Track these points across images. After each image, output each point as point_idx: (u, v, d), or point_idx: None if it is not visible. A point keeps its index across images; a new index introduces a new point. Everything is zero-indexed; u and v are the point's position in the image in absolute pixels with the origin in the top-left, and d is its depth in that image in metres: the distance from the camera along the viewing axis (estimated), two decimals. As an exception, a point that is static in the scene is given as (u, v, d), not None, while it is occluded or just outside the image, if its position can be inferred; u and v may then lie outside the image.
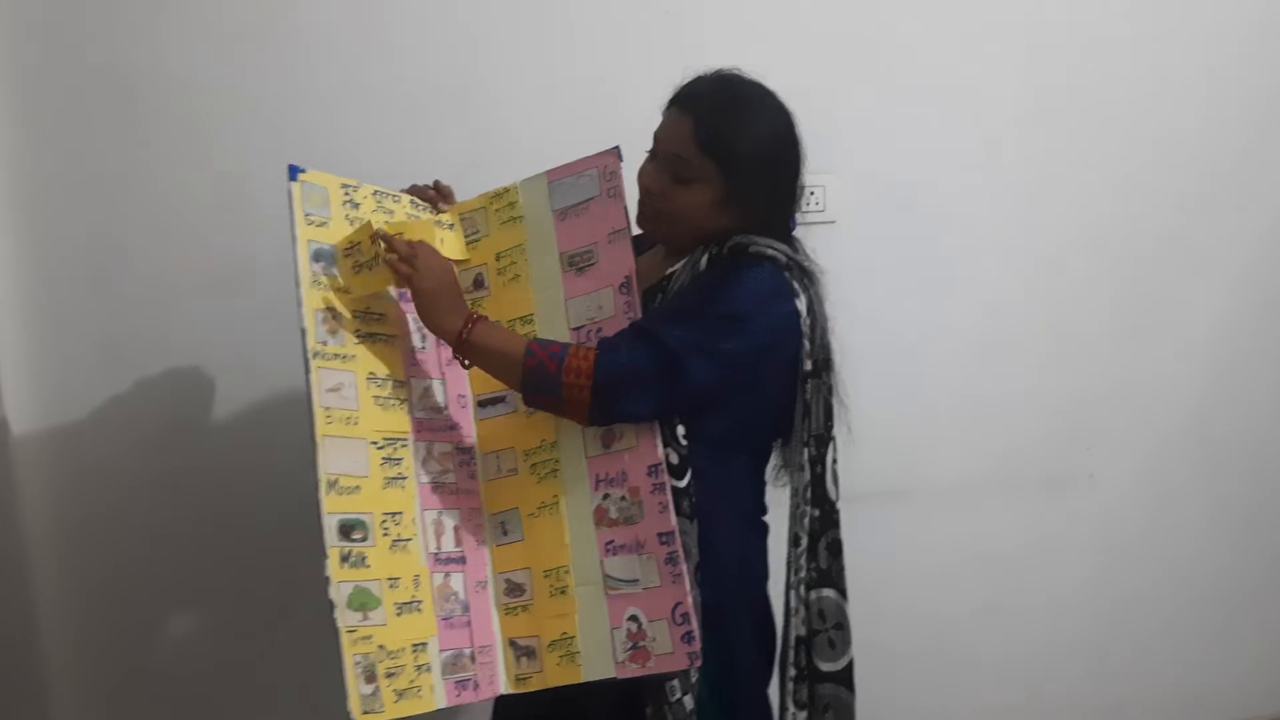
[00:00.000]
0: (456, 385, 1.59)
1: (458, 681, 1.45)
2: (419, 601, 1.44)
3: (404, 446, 1.50)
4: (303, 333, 1.43)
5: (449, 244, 1.62)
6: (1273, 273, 2.43)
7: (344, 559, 1.38)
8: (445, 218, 1.64)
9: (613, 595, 1.44)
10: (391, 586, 1.42)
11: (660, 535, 1.42)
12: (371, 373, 1.48)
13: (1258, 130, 2.38)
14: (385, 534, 1.43)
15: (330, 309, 1.46)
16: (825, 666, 1.54)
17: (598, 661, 1.44)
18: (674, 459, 1.44)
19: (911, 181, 2.23)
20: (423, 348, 1.57)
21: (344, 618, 1.35)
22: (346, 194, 1.53)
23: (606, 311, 1.50)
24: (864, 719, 1.57)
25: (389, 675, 1.37)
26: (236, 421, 2.11)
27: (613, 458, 1.46)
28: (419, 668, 1.41)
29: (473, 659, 1.48)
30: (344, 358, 1.46)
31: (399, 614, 1.41)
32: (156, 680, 2.13)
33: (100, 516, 2.07)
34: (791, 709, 1.54)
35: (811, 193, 2.12)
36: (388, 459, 1.47)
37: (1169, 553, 2.49)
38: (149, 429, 2.07)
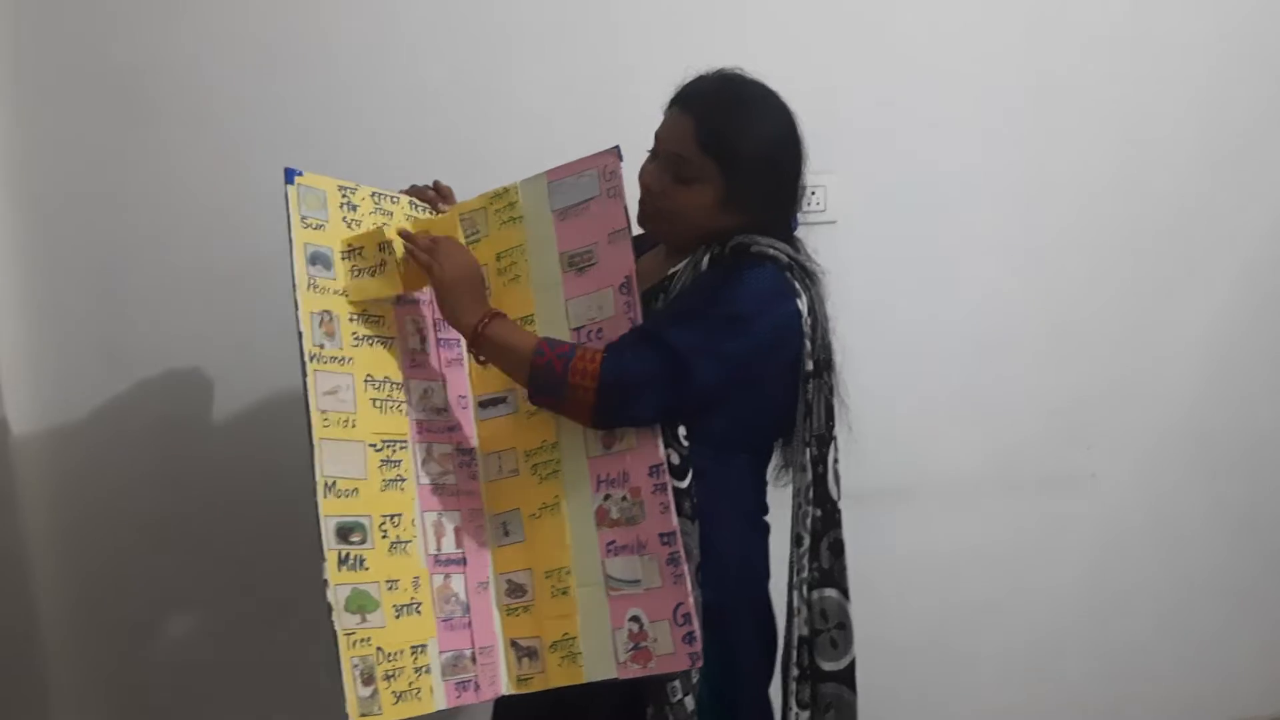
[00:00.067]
0: (456, 386, 1.59)
1: (458, 683, 1.45)
2: (418, 603, 1.44)
3: (403, 448, 1.49)
4: (299, 336, 1.42)
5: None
6: (1271, 272, 2.44)
7: (342, 561, 1.38)
8: (445, 218, 1.65)
9: (614, 596, 1.44)
10: (390, 589, 1.41)
11: (661, 536, 1.42)
12: (369, 375, 1.48)
13: (1257, 130, 2.38)
14: (384, 536, 1.43)
15: (327, 312, 1.46)
16: (827, 666, 1.55)
17: (599, 662, 1.44)
18: (675, 460, 1.44)
19: (912, 181, 2.23)
20: (422, 349, 1.57)
21: (342, 620, 1.35)
22: (344, 196, 1.53)
23: (607, 312, 1.49)
24: (866, 717, 1.57)
25: (387, 677, 1.37)
26: (236, 421, 2.11)
27: (614, 458, 1.46)
28: (418, 669, 1.41)
29: (473, 660, 1.48)
30: (341, 360, 1.46)
31: (398, 616, 1.41)
32: (156, 677, 2.13)
33: (100, 515, 2.08)
34: (794, 709, 1.54)
35: (812, 192, 2.12)
36: (386, 461, 1.47)
37: (1168, 551, 2.49)
38: (149, 428, 2.08)
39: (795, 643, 1.54)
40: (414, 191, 1.64)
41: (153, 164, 2.02)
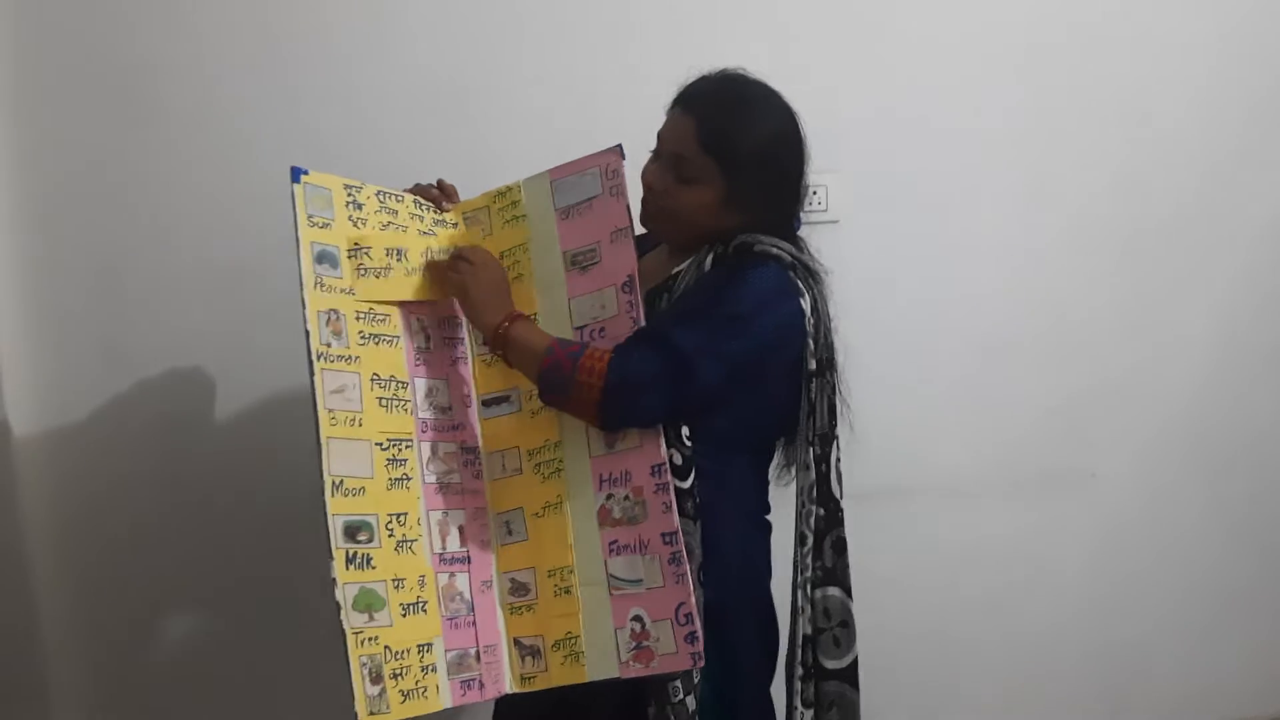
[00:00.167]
0: (460, 385, 1.59)
1: (463, 681, 1.45)
2: (424, 602, 1.44)
3: (408, 447, 1.49)
4: (306, 334, 1.42)
5: (455, 243, 1.62)
6: (1270, 272, 2.44)
7: (349, 560, 1.37)
8: (449, 217, 1.65)
9: (616, 595, 1.44)
10: (397, 587, 1.41)
11: (663, 535, 1.42)
12: (375, 374, 1.48)
13: (1256, 130, 2.38)
14: (390, 535, 1.43)
15: (334, 310, 1.46)
16: (830, 664, 1.55)
17: (601, 661, 1.44)
18: (678, 460, 1.44)
19: (913, 181, 2.23)
20: (426, 347, 1.57)
21: (350, 619, 1.35)
22: (350, 195, 1.53)
23: (610, 310, 1.49)
24: (867, 715, 1.57)
25: (395, 676, 1.37)
26: (236, 420, 2.11)
27: (616, 457, 1.46)
28: (425, 668, 1.41)
29: (478, 659, 1.48)
30: (348, 359, 1.45)
31: (404, 615, 1.41)
32: (156, 676, 2.13)
33: (100, 514, 2.07)
34: (799, 708, 1.54)
35: (814, 192, 2.11)
36: (392, 460, 1.47)
37: (1167, 550, 2.49)
38: (148, 427, 2.07)
39: (800, 642, 1.55)
40: (418, 190, 1.64)
41: (153, 163, 2.02)
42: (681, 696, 1.43)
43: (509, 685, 1.50)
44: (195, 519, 2.09)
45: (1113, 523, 2.45)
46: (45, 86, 1.97)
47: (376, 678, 1.35)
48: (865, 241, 2.18)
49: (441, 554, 1.49)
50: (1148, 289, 2.40)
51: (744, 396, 1.48)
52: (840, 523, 1.56)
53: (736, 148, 1.46)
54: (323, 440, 1.39)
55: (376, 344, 1.50)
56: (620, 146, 1.51)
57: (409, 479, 1.48)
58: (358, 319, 1.49)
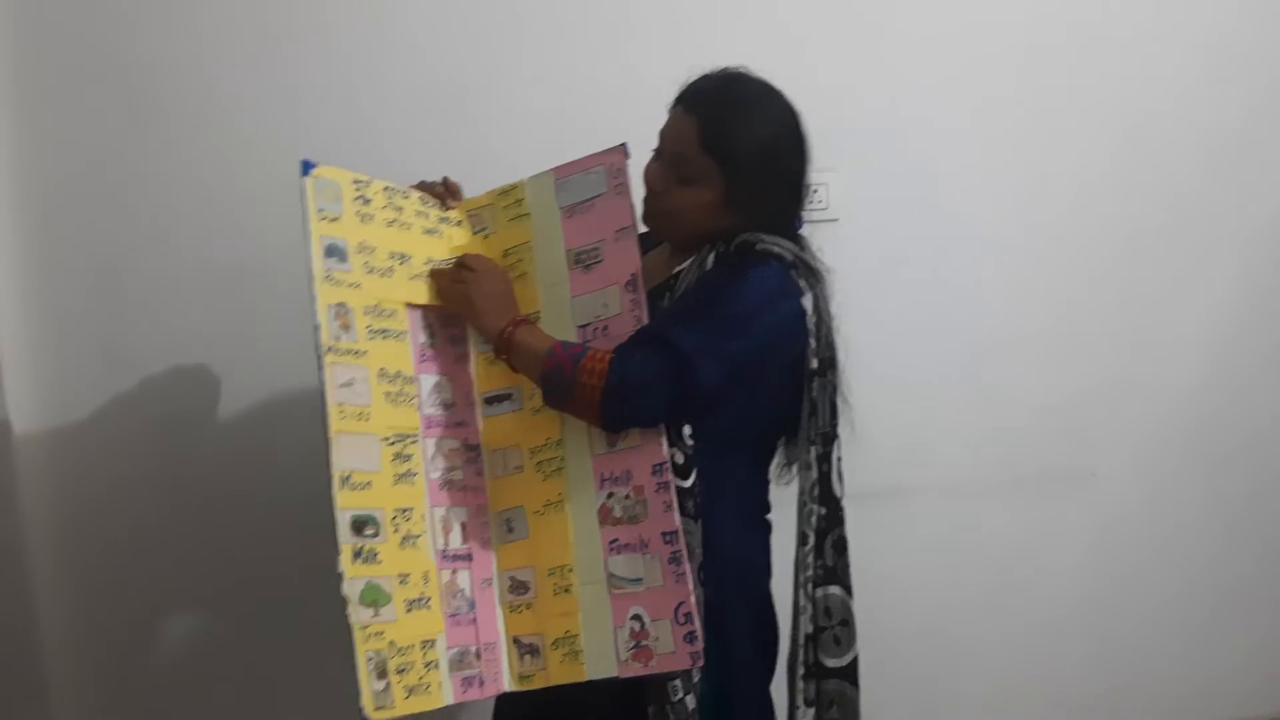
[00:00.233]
0: (464, 382, 1.59)
1: (464, 678, 1.46)
2: (428, 598, 1.44)
3: (413, 443, 1.50)
4: (316, 328, 1.42)
5: (456, 241, 1.62)
6: (1270, 271, 2.45)
7: (356, 555, 1.37)
8: (453, 214, 1.65)
9: (616, 594, 1.44)
10: (402, 583, 1.41)
11: (664, 534, 1.42)
12: (383, 368, 1.48)
13: (1256, 130, 2.39)
14: (396, 530, 1.43)
15: (342, 304, 1.46)
16: (830, 662, 1.55)
17: (601, 660, 1.44)
18: (679, 459, 1.44)
19: (914, 180, 2.24)
20: (431, 344, 1.57)
21: (357, 614, 1.35)
22: (358, 190, 1.53)
23: (612, 309, 1.49)
24: (867, 713, 1.58)
25: (399, 671, 1.37)
26: (236, 420, 2.10)
27: (617, 456, 1.46)
28: (428, 664, 1.41)
29: (478, 656, 1.48)
30: (356, 353, 1.46)
31: (409, 610, 1.41)
32: (156, 676, 2.12)
33: (100, 514, 2.07)
34: (801, 706, 1.54)
35: (815, 190, 2.12)
36: (398, 455, 1.47)
37: (1166, 548, 2.49)
38: (149, 427, 2.07)
39: (802, 641, 1.55)
40: (423, 187, 1.64)
41: (153, 163, 2.02)
42: (681, 696, 1.43)
43: (507, 683, 1.49)
44: (195, 519, 2.09)
45: (1112, 521, 2.46)
46: (45, 86, 1.97)
47: (382, 673, 1.35)
48: (865, 240, 2.18)
49: (444, 550, 1.49)
50: (1147, 288, 2.41)
51: (745, 396, 1.48)
52: (841, 522, 1.56)
53: (737, 148, 1.46)
54: (332, 434, 1.39)
55: (384, 338, 1.50)
56: (625, 145, 1.51)
57: (414, 474, 1.48)
58: (366, 313, 1.49)
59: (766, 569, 1.59)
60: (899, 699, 2.25)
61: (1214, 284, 2.43)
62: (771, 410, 1.54)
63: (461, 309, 1.56)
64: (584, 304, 1.52)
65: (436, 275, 1.57)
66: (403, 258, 1.54)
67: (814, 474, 1.53)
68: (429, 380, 1.55)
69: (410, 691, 1.38)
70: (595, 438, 1.48)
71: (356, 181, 1.53)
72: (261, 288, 2.03)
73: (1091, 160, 2.33)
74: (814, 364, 1.51)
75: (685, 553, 1.41)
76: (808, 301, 1.49)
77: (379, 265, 1.51)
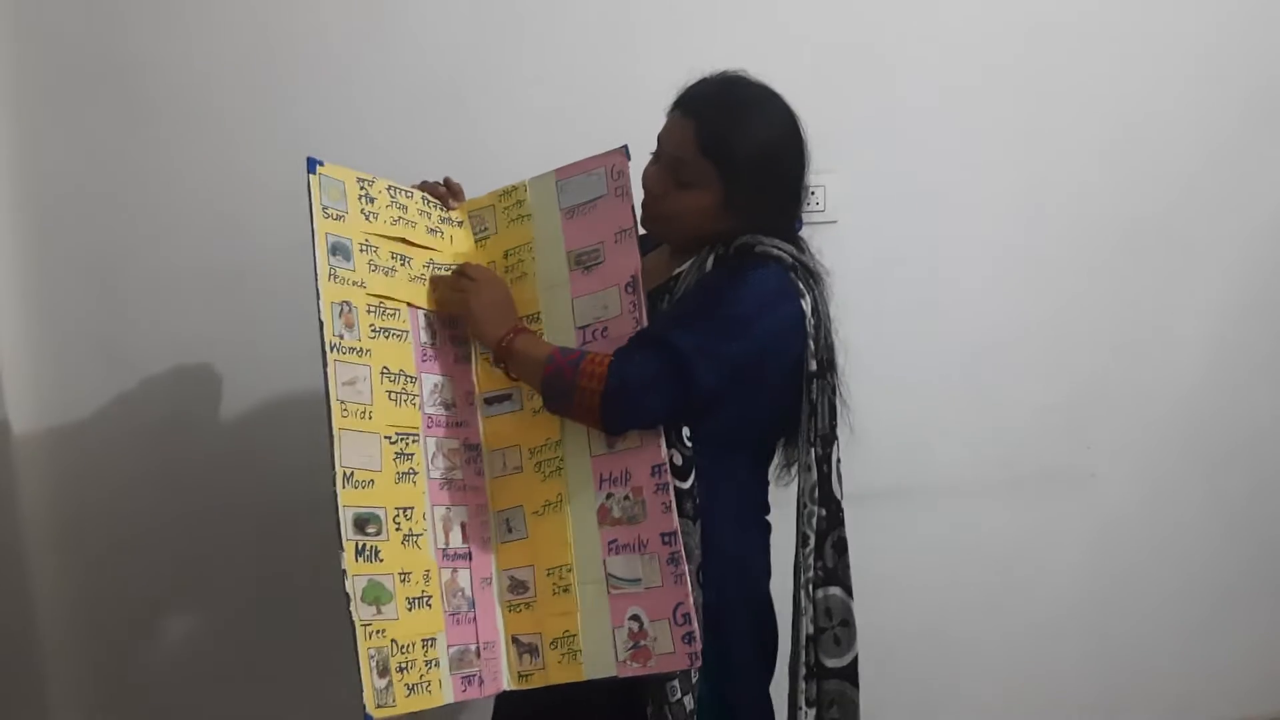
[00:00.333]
0: (464, 382, 1.60)
1: (464, 677, 1.46)
2: (428, 596, 1.45)
3: (415, 442, 1.50)
4: (320, 326, 1.43)
5: (458, 241, 1.62)
6: (1269, 270, 2.45)
7: (359, 552, 1.38)
8: (454, 215, 1.65)
9: (615, 594, 1.44)
10: (403, 581, 1.42)
11: (663, 535, 1.42)
12: (385, 367, 1.49)
13: (1255, 130, 2.39)
14: (397, 529, 1.44)
15: (346, 302, 1.47)
16: (830, 663, 1.55)
17: (599, 660, 1.44)
18: (678, 460, 1.44)
19: (911, 181, 2.24)
20: (432, 343, 1.57)
21: (359, 611, 1.35)
22: (362, 188, 1.54)
23: (612, 310, 1.50)
24: (867, 713, 1.58)
25: (400, 670, 1.37)
26: (236, 420, 2.11)
27: (617, 457, 1.47)
28: (428, 663, 1.41)
29: (478, 655, 1.48)
30: (359, 352, 1.46)
31: (410, 609, 1.42)
32: (155, 676, 2.13)
33: (100, 515, 2.07)
34: (803, 707, 1.54)
35: (812, 192, 2.12)
36: (400, 454, 1.47)
37: (1165, 547, 2.50)
38: (149, 428, 2.07)
39: (803, 641, 1.55)
40: (425, 188, 1.65)
41: (153, 163, 2.02)
42: (679, 696, 1.44)
43: (506, 682, 1.50)
44: (195, 519, 2.09)
45: (1111, 521, 2.46)
46: (45, 87, 1.97)
47: (383, 671, 1.35)
48: (863, 241, 2.18)
49: (445, 549, 1.50)
50: (1146, 287, 2.41)
51: (744, 397, 1.48)
52: (841, 523, 1.55)
53: (735, 152, 1.46)
54: (335, 432, 1.40)
55: (386, 338, 1.51)
56: (626, 147, 1.52)
57: (415, 473, 1.49)
58: (369, 312, 1.49)
59: (765, 570, 1.59)
60: (899, 699, 2.26)
61: (1213, 284, 2.43)
62: (771, 412, 1.54)
63: (461, 317, 1.56)
64: (584, 305, 1.53)
65: (437, 283, 1.58)
66: (405, 258, 1.55)
67: (814, 475, 1.53)
68: (430, 380, 1.56)
69: (411, 690, 1.38)
70: (594, 438, 1.48)
71: (361, 180, 1.54)
72: (261, 288, 2.03)
73: (1090, 160, 2.33)
74: (813, 366, 1.51)
75: (684, 554, 1.41)
76: (807, 303, 1.49)
77: (382, 264, 1.52)
